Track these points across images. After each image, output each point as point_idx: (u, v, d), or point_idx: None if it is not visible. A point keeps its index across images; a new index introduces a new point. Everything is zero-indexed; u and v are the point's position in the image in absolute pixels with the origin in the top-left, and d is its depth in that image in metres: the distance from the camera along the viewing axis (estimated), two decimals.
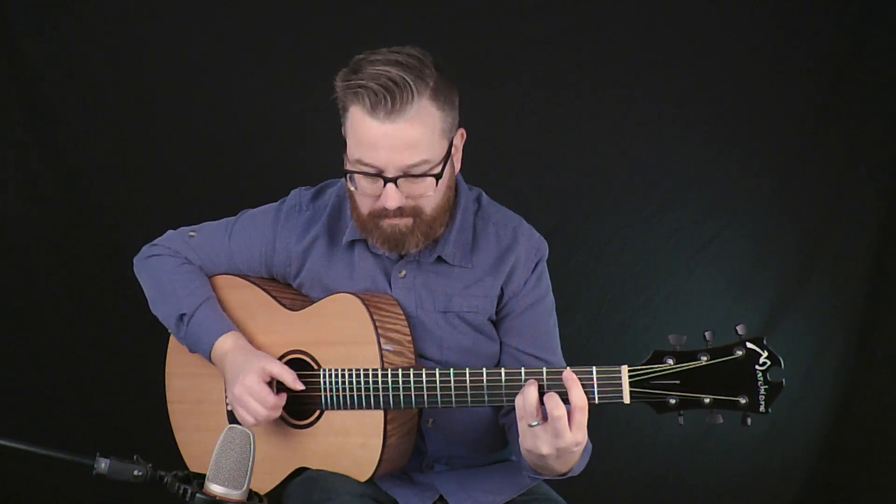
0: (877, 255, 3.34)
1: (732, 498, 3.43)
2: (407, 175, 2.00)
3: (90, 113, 3.30)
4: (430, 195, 2.04)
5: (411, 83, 1.95)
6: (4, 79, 3.24)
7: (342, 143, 2.09)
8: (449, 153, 2.05)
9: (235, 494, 1.76)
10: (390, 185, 2.00)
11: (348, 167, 2.04)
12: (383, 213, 2.04)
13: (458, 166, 2.14)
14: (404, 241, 2.07)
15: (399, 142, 1.97)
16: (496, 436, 2.23)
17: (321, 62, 2.15)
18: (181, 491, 1.76)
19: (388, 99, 1.94)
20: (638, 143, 3.33)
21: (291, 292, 2.27)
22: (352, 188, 2.06)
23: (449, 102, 2.02)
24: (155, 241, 2.37)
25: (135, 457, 1.79)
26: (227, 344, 2.19)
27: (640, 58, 3.30)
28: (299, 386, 2.11)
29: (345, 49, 2.06)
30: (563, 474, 1.99)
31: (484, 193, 2.25)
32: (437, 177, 2.02)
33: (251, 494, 1.80)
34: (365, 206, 2.07)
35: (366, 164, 2.01)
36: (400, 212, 2.03)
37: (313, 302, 2.20)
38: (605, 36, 3.29)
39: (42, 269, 3.34)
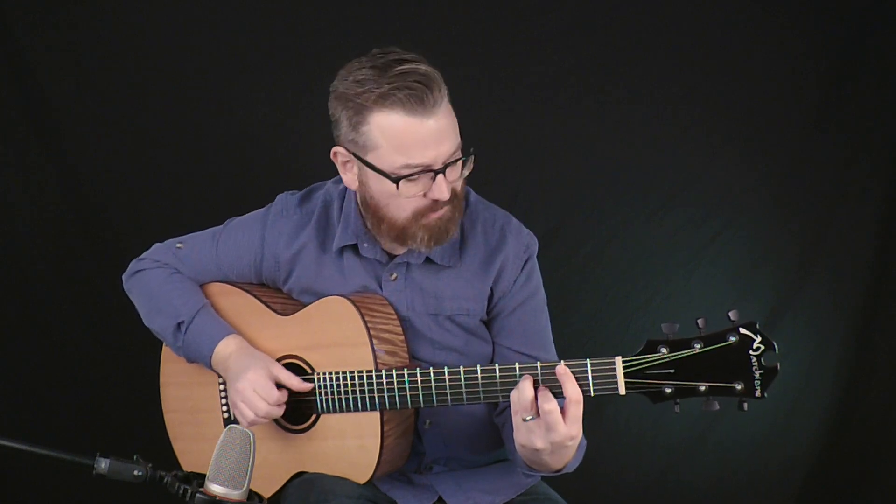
0: (877, 254, 3.34)
1: (732, 498, 3.42)
2: (450, 163, 1.99)
3: (90, 113, 3.30)
4: (460, 178, 2.05)
5: (433, 74, 1.97)
6: (4, 79, 3.24)
7: (327, 159, 2.08)
8: None
9: (235, 494, 1.76)
10: (440, 177, 1.98)
11: (395, 176, 1.98)
12: (433, 208, 2.03)
13: None
14: (448, 228, 2.06)
15: (443, 133, 1.97)
16: (493, 436, 2.23)
17: (322, 64, 2.15)
18: (181, 491, 1.76)
19: (428, 94, 1.93)
20: (638, 143, 3.33)
21: (282, 297, 2.26)
22: (402, 197, 2.01)
23: (447, 90, 2.02)
24: (142, 256, 2.36)
25: (135, 457, 1.79)
26: (230, 346, 2.18)
27: (639, 58, 3.30)
28: (307, 386, 2.11)
29: (345, 51, 2.05)
30: (558, 471, 1.99)
31: (472, 191, 2.24)
32: (470, 154, 2.03)
33: (251, 494, 1.80)
34: (407, 208, 2.03)
35: (415, 166, 1.98)
36: (448, 201, 2.03)
37: (304, 306, 2.19)
38: (606, 36, 3.29)
39: (42, 269, 3.34)
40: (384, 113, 1.95)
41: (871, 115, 3.29)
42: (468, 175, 2.06)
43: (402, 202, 2.02)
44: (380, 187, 2.03)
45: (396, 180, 1.99)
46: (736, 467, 3.41)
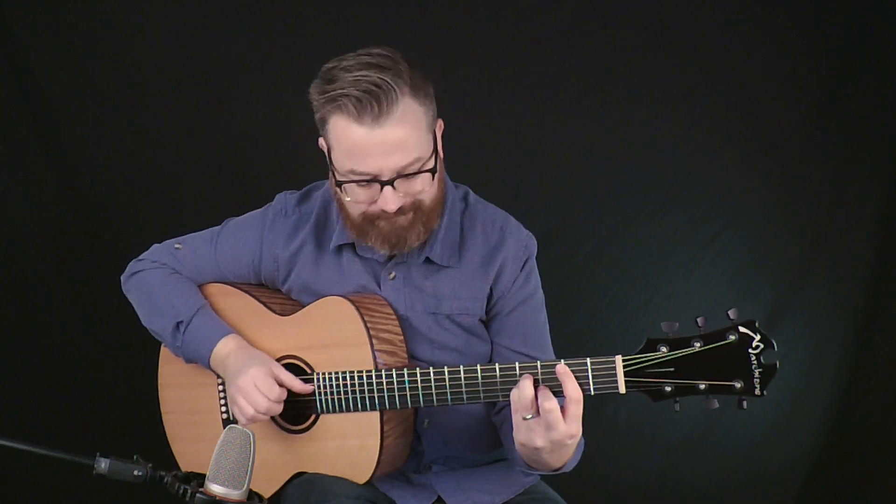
0: (877, 254, 3.34)
1: (732, 498, 3.42)
2: (402, 176, 1.98)
3: (90, 113, 3.30)
4: (427, 190, 2.03)
5: (392, 83, 1.93)
6: (4, 79, 3.24)
7: (323, 155, 2.07)
8: (436, 146, 2.04)
9: (235, 494, 1.76)
10: (388, 189, 1.98)
11: (340, 178, 2.01)
12: (382, 215, 2.02)
13: (441, 155, 2.11)
14: (405, 236, 2.05)
15: (390, 145, 1.95)
16: (492, 435, 2.23)
17: (322, 64, 2.14)
18: (181, 491, 1.76)
19: (374, 103, 1.92)
20: (638, 142, 3.33)
21: (281, 297, 2.26)
22: (346, 198, 2.04)
23: (427, 96, 2.00)
24: (140, 257, 2.36)
25: (135, 457, 1.79)
26: (229, 346, 2.18)
27: (639, 58, 3.30)
28: (308, 388, 2.11)
29: (345, 52, 2.04)
30: (556, 470, 2.00)
31: (471, 191, 2.24)
32: (433, 171, 2.01)
33: (251, 494, 1.79)
34: (357, 210, 2.05)
35: (359, 173, 1.98)
36: (401, 210, 2.02)
37: (303, 306, 2.19)
38: (606, 36, 3.29)
39: (42, 269, 3.34)
40: (336, 116, 1.96)
41: (871, 115, 3.29)
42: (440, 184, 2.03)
43: (353, 205, 2.04)
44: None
45: (339, 184, 2.02)
46: (736, 467, 3.41)
